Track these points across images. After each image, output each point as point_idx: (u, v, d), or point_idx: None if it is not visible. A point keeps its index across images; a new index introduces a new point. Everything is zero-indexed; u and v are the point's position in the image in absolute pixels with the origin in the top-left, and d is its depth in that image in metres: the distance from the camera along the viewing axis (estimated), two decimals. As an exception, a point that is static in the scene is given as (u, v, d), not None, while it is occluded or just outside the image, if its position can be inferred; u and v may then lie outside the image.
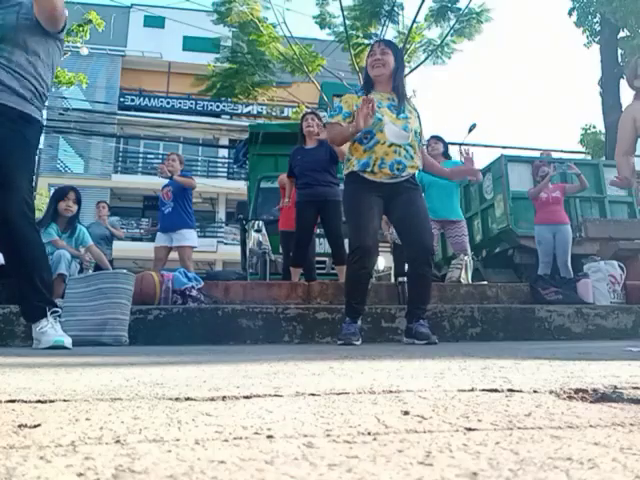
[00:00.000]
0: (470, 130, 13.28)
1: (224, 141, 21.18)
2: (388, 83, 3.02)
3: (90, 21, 8.25)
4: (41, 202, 13.64)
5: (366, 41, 12.69)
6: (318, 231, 5.05)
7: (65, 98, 18.21)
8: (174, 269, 4.18)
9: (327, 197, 4.47)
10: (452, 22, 12.29)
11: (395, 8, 12.54)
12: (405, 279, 3.34)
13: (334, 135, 2.98)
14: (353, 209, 2.95)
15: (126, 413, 0.76)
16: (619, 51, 12.39)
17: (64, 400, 0.88)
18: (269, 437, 0.62)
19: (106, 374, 1.30)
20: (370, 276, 3.06)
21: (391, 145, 2.88)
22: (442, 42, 12.55)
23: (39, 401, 0.86)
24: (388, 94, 3.00)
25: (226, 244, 20.06)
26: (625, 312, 3.60)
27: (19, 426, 0.67)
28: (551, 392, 0.96)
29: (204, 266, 18.76)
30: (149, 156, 22.04)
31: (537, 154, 9.24)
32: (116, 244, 7.59)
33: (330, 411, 0.78)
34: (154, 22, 22.46)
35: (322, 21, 12.96)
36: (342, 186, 3.09)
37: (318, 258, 5.42)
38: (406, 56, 12.57)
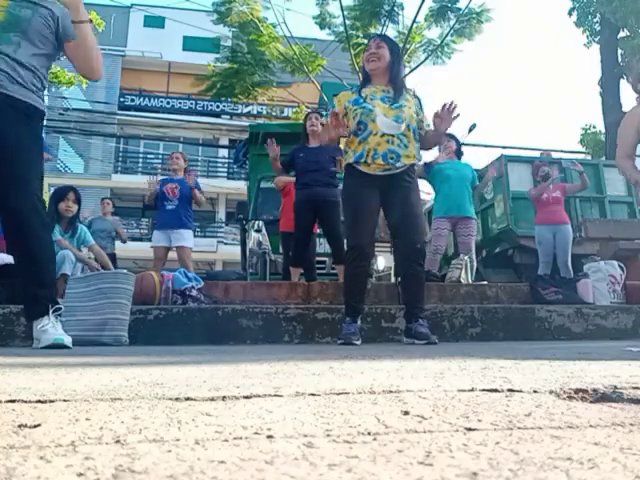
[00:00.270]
0: (470, 130, 13.28)
1: (224, 141, 21.19)
2: (384, 76, 3.04)
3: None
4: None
5: (366, 41, 12.67)
6: (318, 231, 5.05)
7: (65, 98, 18.22)
8: (174, 269, 4.18)
9: (325, 198, 4.48)
10: (452, 22, 12.29)
11: (395, 8, 12.53)
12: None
13: (322, 135, 3.14)
14: (350, 207, 2.97)
15: (126, 413, 0.76)
16: (619, 51, 12.39)
17: (64, 400, 0.88)
18: (269, 437, 0.62)
19: (106, 374, 1.30)
20: (369, 275, 3.06)
21: (383, 135, 2.89)
22: (442, 42, 12.55)
23: (39, 401, 0.86)
24: (384, 86, 3.03)
25: (226, 244, 20.07)
26: (625, 312, 3.60)
27: (19, 426, 0.67)
28: (551, 392, 0.96)
29: (204, 266, 18.76)
30: (149, 156, 22.05)
31: (537, 154, 9.24)
32: (116, 243, 7.60)
33: (330, 411, 0.78)
34: (154, 22, 22.47)
35: (322, 21, 12.96)
36: (339, 187, 3.10)
37: (318, 258, 5.43)
38: (406, 56, 12.57)
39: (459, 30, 12.38)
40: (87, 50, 2.43)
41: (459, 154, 5.49)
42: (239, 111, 21.80)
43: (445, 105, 2.90)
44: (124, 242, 7.77)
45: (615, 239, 6.72)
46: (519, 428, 0.67)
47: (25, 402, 0.85)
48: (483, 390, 0.98)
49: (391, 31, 13.09)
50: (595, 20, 12.83)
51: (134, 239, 18.52)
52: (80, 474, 0.47)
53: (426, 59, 12.89)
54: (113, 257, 7.02)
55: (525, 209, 7.17)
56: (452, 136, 5.50)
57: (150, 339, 3.02)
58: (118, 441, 0.59)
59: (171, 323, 3.09)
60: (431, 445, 0.58)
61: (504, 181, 7.82)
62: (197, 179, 5.71)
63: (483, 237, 8.59)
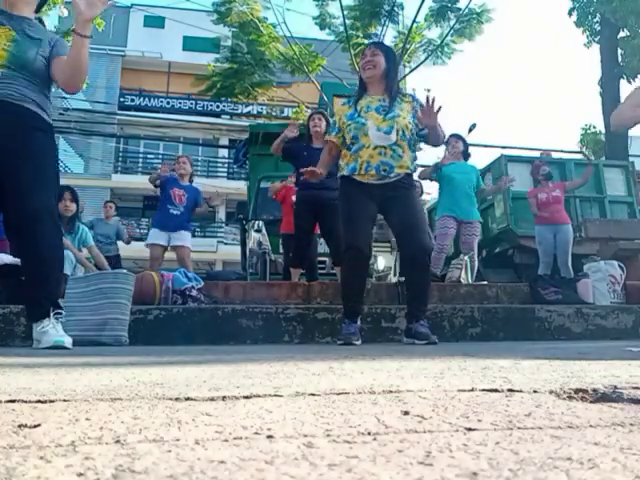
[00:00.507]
0: (470, 130, 13.26)
1: (224, 141, 21.17)
2: (380, 84, 3.04)
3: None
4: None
5: (366, 41, 12.68)
6: (319, 231, 5.05)
7: (65, 98, 18.18)
8: (174, 269, 4.18)
9: (325, 199, 4.48)
10: (452, 22, 12.29)
11: (395, 8, 12.53)
12: (403, 279, 3.34)
13: (320, 159, 3.22)
14: (345, 210, 2.97)
15: (126, 413, 0.76)
16: (619, 51, 12.38)
17: (64, 400, 0.88)
18: (269, 437, 0.62)
19: (106, 374, 1.30)
20: (367, 275, 3.06)
21: (376, 147, 2.90)
22: (442, 42, 12.54)
23: (39, 401, 0.86)
24: (380, 95, 3.03)
25: (226, 244, 20.06)
26: (625, 312, 3.60)
27: (19, 426, 0.67)
28: (551, 392, 0.96)
29: (204, 266, 18.75)
30: (149, 156, 22.03)
31: (537, 154, 9.24)
32: (118, 243, 7.60)
33: (330, 411, 0.78)
34: (154, 22, 22.46)
35: (322, 22, 12.96)
36: None
37: (318, 258, 5.42)
38: (406, 56, 12.57)
39: (459, 30, 12.37)
40: (78, 64, 2.44)
41: (466, 155, 5.45)
42: (239, 111, 21.79)
43: (427, 100, 2.85)
44: (127, 243, 7.77)
45: (615, 239, 6.73)
46: (519, 428, 0.67)
47: (25, 402, 0.85)
48: (483, 390, 0.98)
49: (391, 31, 13.13)
50: (595, 20, 12.82)
51: (134, 239, 18.50)
52: (80, 474, 0.47)
53: (426, 59, 12.88)
54: (117, 258, 7.02)
55: (525, 209, 7.16)
56: (459, 137, 5.46)
57: (150, 339, 3.02)
58: (118, 441, 0.59)
59: (171, 323, 3.09)
60: (431, 445, 0.58)
61: (504, 181, 7.81)
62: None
63: (483, 237, 8.58)
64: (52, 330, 2.36)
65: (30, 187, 2.37)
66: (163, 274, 3.84)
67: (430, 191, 6.28)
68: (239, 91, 13.52)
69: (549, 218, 6.11)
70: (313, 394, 0.93)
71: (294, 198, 5.08)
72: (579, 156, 12.39)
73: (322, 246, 5.57)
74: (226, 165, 21.38)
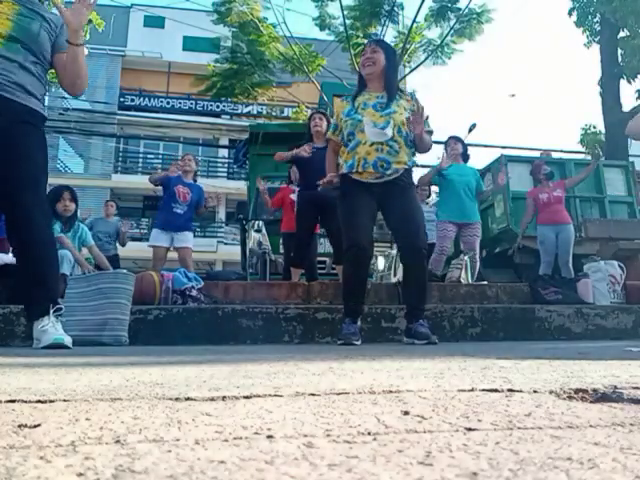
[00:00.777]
0: (470, 130, 13.27)
1: (224, 141, 21.17)
2: (380, 81, 3.05)
3: (90, 21, 8.23)
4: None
5: (366, 41, 12.68)
6: (319, 231, 5.05)
7: (65, 98, 18.20)
8: (174, 269, 4.18)
9: (328, 199, 4.47)
10: (452, 22, 12.29)
11: (395, 8, 12.54)
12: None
13: (326, 162, 3.24)
14: (346, 209, 2.98)
15: (126, 413, 0.76)
16: (619, 51, 12.37)
17: (64, 400, 0.88)
18: (269, 437, 0.62)
19: (106, 374, 1.30)
20: (368, 275, 3.06)
21: (372, 144, 2.90)
22: (442, 42, 12.54)
23: (39, 401, 0.86)
24: (378, 92, 3.04)
25: (226, 244, 20.06)
26: (625, 312, 3.60)
27: (19, 426, 0.67)
28: (551, 392, 0.96)
29: (204, 266, 18.75)
30: (149, 156, 22.04)
31: (537, 154, 9.25)
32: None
33: (330, 411, 0.78)
34: (154, 22, 22.46)
35: (322, 22, 12.96)
36: None
37: (318, 258, 5.43)
38: (406, 56, 12.57)
39: (459, 30, 12.38)
40: (77, 72, 2.45)
41: (465, 157, 5.45)
42: (239, 111, 21.79)
43: (415, 110, 2.95)
44: (123, 245, 7.76)
45: (615, 239, 6.73)
46: (519, 428, 0.67)
47: (25, 402, 0.85)
48: (483, 390, 0.98)
49: (391, 31, 13.13)
50: (595, 20, 12.82)
51: (134, 239, 18.49)
52: (80, 474, 0.47)
53: (426, 59, 12.89)
54: (116, 258, 7.01)
55: (525, 209, 7.18)
56: (458, 139, 5.46)
57: (150, 339, 3.02)
58: (118, 441, 0.59)
59: (171, 323, 3.09)
60: (431, 445, 0.58)
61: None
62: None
63: (483, 237, 8.58)
64: (52, 329, 2.36)
65: (19, 184, 2.35)
66: (163, 274, 3.84)
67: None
68: (239, 91, 13.53)
69: (551, 218, 6.11)
70: (313, 394, 0.93)
71: (293, 197, 5.08)
72: (579, 156, 12.39)
73: (322, 246, 5.58)
74: (226, 165, 21.39)
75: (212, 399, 0.89)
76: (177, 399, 0.89)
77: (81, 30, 2.40)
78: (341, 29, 12.80)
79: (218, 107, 21.88)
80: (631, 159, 10.06)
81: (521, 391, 0.97)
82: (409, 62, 12.95)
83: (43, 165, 2.49)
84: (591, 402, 0.89)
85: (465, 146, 5.49)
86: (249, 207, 7.25)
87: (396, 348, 2.54)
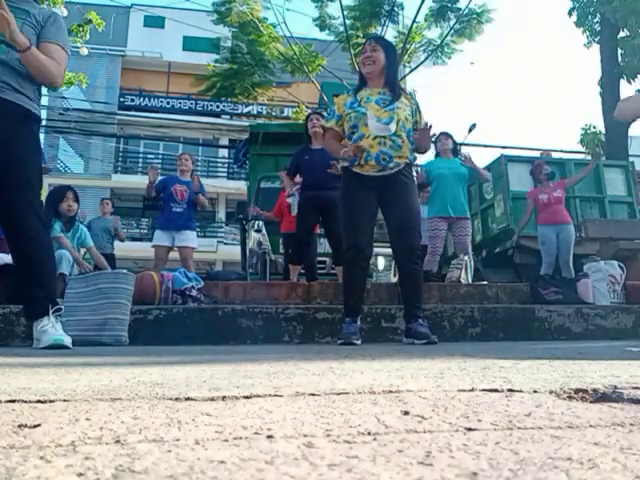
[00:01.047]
0: (470, 130, 13.28)
1: (224, 141, 21.17)
2: (380, 78, 3.06)
3: (90, 21, 8.23)
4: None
5: (366, 39, 12.67)
6: (319, 231, 5.05)
7: (65, 98, 18.20)
8: (174, 269, 4.18)
9: (330, 200, 4.48)
10: (452, 22, 12.29)
11: (395, 8, 12.53)
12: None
13: (328, 147, 3.19)
14: (347, 207, 2.98)
15: (126, 413, 0.76)
16: (619, 51, 12.37)
17: (64, 400, 0.88)
18: (269, 437, 0.62)
19: (106, 374, 1.30)
20: (368, 275, 3.06)
21: (375, 137, 2.91)
22: (442, 42, 12.54)
23: (39, 401, 0.86)
24: (380, 89, 3.05)
25: (226, 244, 20.06)
26: (625, 312, 3.60)
27: (19, 426, 0.67)
28: (551, 392, 0.96)
29: (204, 266, 18.75)
30: (149, 156, 22.03)
31: (537, 154, 9.25)
32: (116, 243, 7.60)
33: (330, 411, 0.78)
34: (154, 22, 22.45)
35: (322, 23, 12.96)
36: None
37: (318, 258, 5.43)
38: (406, 56, 12.57)
39: (459, 30, 12.38)
40: (39, 73, 2.39)
41: (455, 153, 5.47)
42: (239, 111, 21.79)
43: (426, 125, 3.02)
44: (122, 241, 7.76)
45: (615, 239, 6.73)
46: (519, 428, 0.67)
47: (25, 402, 0.85)
48: (483, 390, 0.98)
49: (391, 31, 13.12)
50: (595, 20, 12.81)
51: (134, 239, 18.52)
52: (80, 474, 0.47)
53: (426, 59, 12.89)
54: (112, 258, 7.03)
55: (525, 209, 7.18)
56: (448, 134, 5.48)
57: (150, 339, 3.02)
58: (118, 441, 0.59)
59: (171, 323, 3.09)
60: (431, 445, 0.58)
61: (504, 181, 7.82)
62: (201, 183, 5.69)
63: (483, 237, 8.59)
64: (51, 329, 2.36)
65: (12, 186, 2.33)
66: (163, 274, 3.84)
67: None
68: (239, 91, 13.52)
69: (551, 218, 6.11)
70: (313, 394, 0.93)
71: (289, 200, 5.09)
72: (579, 156, 12.39)
73: (322, 246, 5.57)
74: (226, 165, 21.38)
75: (212, 399, 0.89)
76: (177, 399, 0.89)
77: (13, 35, 2.27)
78: (341, 29, 12.80)
79: (218, 107, 21.87)
80: (631, 159, 10.06)
81: (521, 391, 0.97)
82: (409, 62, 12.95)
83: (33, 163, 2.45)
84: (591, 402, 0.89)
85: (455, 142, 5.51)
86: (249, 207, 7.24)
87: (396, 348, 2.54)
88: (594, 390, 0.96)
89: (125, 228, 18.11)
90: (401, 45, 12.34)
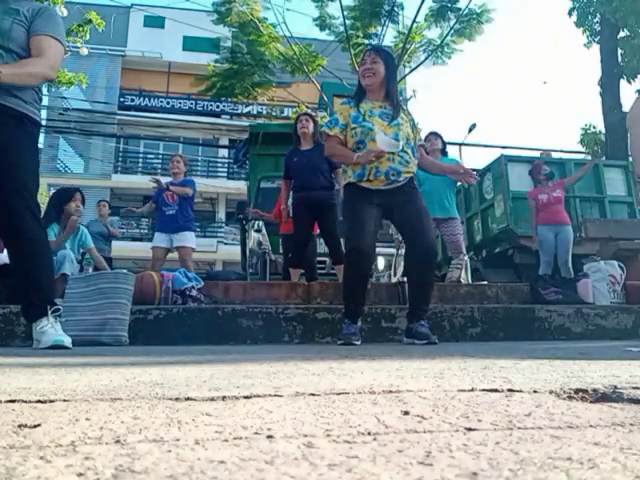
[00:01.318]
0: (470, 130, 13.29)
1: (224, 141, 21.17)
2: (380, 91, 3.04)
3: (90, 21, 8.22)
4: (41, 202, 13.62)
5: (366, 41, 12.68)
6: (319, 231, 5.05)
7: (65, 98, 18.20)
8: (174, 269, 4.18)
9: (323, 201, 4.50)
10: (452, 22, 12.28)
11: (395, 8, 12.52)
12: (405, 279, 3.33)
13: (335, 155, 3.10)
14: (350, 212, 2.96)
15: (126, 413, 0.76)
16: (619, 51, 12.38)
17: (64, 400, 0.88)
18: (269, 437, 0.62)
19: (106, 374, 1.30)
20: (369, 277, 3.06)
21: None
22: (442, 42, 12.54)
23: (39, 401, 0.86)
24: (380, 102, 3.03)
25: (226, 244, 20.05)
26: (625, 312, 3.60)
27: (19, 426, 0.67)
28: (551, 392, 0.96)
29: (204, 266, 18.75)
30: (149, 156, 22.03)
31: (537, 154, 9.25)
32: (116, 244, 7.61)
33: (330, 411, 0.78)
34: (154, 22, 22.45)
35: (322, 23, 12.96)
36: (336, 187, 3.08)
37: (318, 258, 5.43)
38: (406, 56, 12.56)
39: (459, 30, 12.37)
40: (24, 81, 2.36)
41: (444, 153, 5.45)
42: (239, 111, 21.78)
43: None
44: (117, 238, 7.77)
45: (615, 239, 6.73)
46: (519, 428, 0.67)
47: (25, 402, 0.85)
48: (483, 390, 0.98)
49: (391, 31, 13.12)
50: (595, 20, 12.83)
51: (134, 239, 18.54)
52: (80, 474, 0.47)
53: (426, 59, 12.88)
54: (110, 261, 7.05)
55: (525, 209, 7.17)
56: (437, 134, 5.46)
57: (150, 339, 3.02)
58: (118, 441, 0.59)
59: (171, 323, 3.09)
60: (431, 445, 0.58)
61: (504, 181, 7.82)
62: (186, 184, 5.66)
63: (483, 237, 8.59)
64: (51, 330, 2.36)
65: (10, 190, 2.32)
66: (163, 274, 3.84)
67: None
68: (239, 91, 13.51)
69: (550, 219, 6.12)
70: (313, 394, 0.93)
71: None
72: (579, 156, 12.39)
73: (322, 246, 5.57)
74: (226, 165, 21.37)
75: (212, 399, 0.89)
76: (177, 399, 0.89)
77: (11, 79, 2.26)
78: (341, 29, 12.79)
79: (218, 107, 21.87)
80: (631, 159, 10.07)
81: (521, 391, 0.97)
82: (409, 62, 12.94)
83: (31, 166, 2.44)
84: (591, 402, 0.89)
85: (444, 142, 5.49)
86: (249, 207, 7.24)
87: (396, 348, 2.54)
88: (594, 390, 0.96)
89: (125, 228, 18.13)
90: (401, 45, 12.35)
